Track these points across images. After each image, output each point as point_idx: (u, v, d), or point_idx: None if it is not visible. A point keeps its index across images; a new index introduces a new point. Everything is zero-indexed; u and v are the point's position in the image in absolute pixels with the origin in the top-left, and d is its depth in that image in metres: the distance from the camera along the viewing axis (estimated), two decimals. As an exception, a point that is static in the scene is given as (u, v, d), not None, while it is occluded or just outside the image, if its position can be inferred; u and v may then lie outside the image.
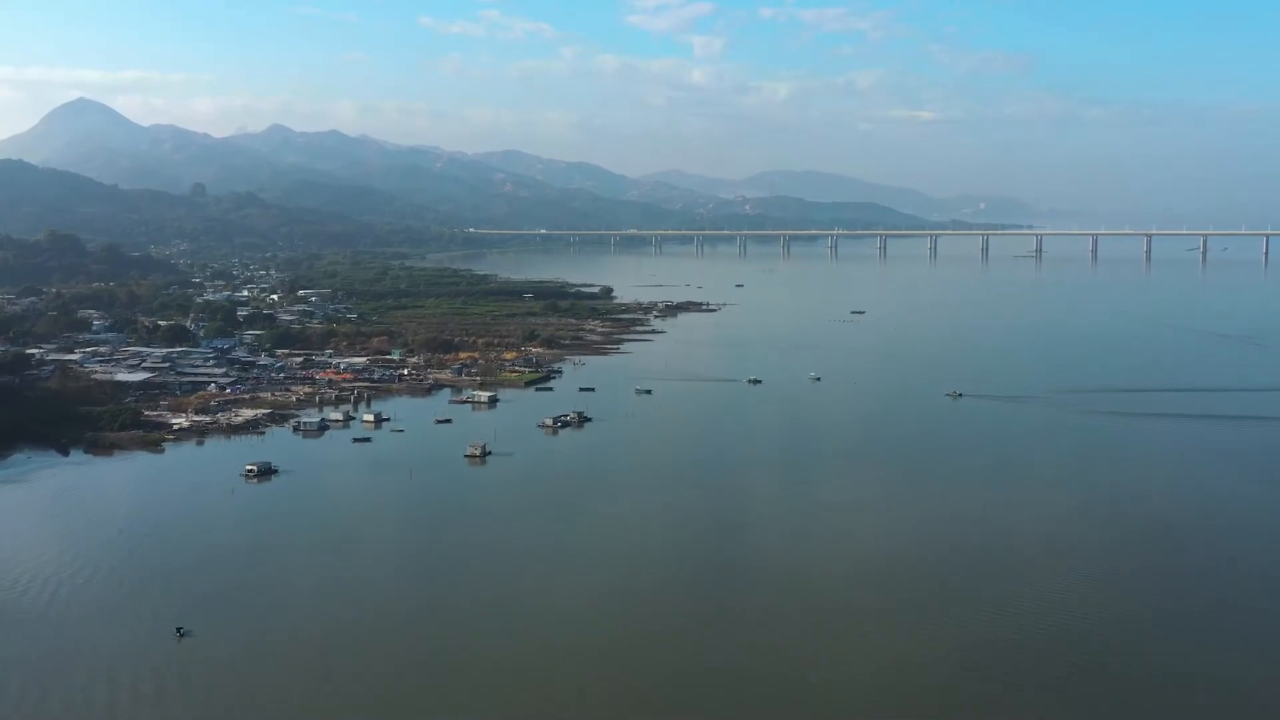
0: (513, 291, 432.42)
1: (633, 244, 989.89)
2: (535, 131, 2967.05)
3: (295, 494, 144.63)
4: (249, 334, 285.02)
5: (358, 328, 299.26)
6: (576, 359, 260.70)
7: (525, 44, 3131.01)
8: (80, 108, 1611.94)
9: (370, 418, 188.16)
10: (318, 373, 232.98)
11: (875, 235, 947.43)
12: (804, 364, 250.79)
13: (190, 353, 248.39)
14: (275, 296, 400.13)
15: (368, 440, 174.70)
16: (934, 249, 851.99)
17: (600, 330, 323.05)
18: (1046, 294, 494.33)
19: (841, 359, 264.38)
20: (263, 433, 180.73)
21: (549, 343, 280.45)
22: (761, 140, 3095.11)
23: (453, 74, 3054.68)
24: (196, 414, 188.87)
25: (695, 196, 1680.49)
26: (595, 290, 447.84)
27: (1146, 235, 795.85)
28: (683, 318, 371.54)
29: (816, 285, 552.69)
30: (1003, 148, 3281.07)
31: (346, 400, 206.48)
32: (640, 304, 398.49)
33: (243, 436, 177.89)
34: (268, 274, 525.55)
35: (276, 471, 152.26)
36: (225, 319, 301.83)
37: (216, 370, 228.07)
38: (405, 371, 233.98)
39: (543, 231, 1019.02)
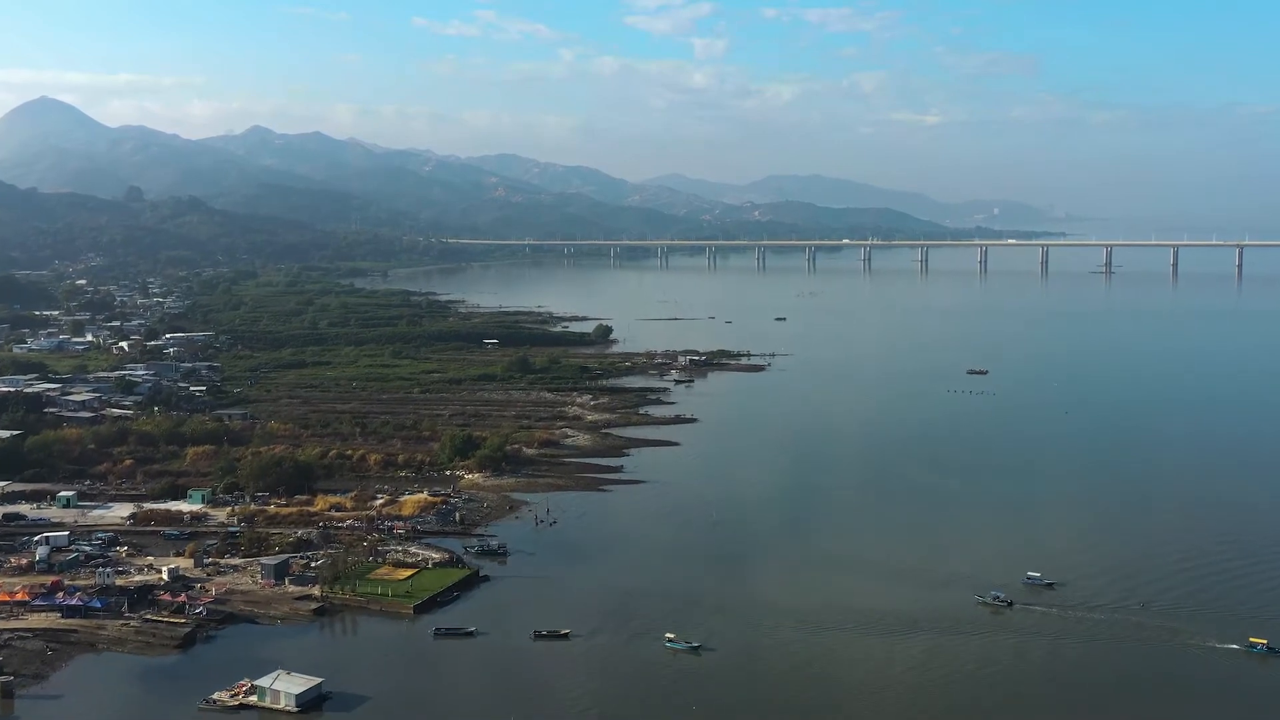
0: (470, 335, 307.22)
1: (635, 255, 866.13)
2: (535, 136, 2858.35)
3: None
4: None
5: (176, 424, 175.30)
6: (542, 515, 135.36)
7: (522, 45, 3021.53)
8: (42, 107, 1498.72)
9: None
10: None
11: (916, 246, 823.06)
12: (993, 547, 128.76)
13: None
14: (124, 345, 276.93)
15: None
16: (984, 262, 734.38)
17: (591, 415, 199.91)
18: (1192, 328, 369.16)
19: (1047, 533, 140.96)
20: None
21: (494, 461, 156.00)
22: (764, 144, 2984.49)
23: (449, 76, 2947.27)
24: None
25: (700, 201, 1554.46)
26: (589, 330, 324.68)
27: (1238, 246, 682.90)
28: (715, 381, 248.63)
29: (876, 316, 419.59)
30: (1009, 151, 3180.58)
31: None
32: (651, 355, 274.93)
33: None
34: (164, 302, 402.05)
35: None
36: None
37: None
38: (164, 577, 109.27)
39: (530, 242, 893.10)
